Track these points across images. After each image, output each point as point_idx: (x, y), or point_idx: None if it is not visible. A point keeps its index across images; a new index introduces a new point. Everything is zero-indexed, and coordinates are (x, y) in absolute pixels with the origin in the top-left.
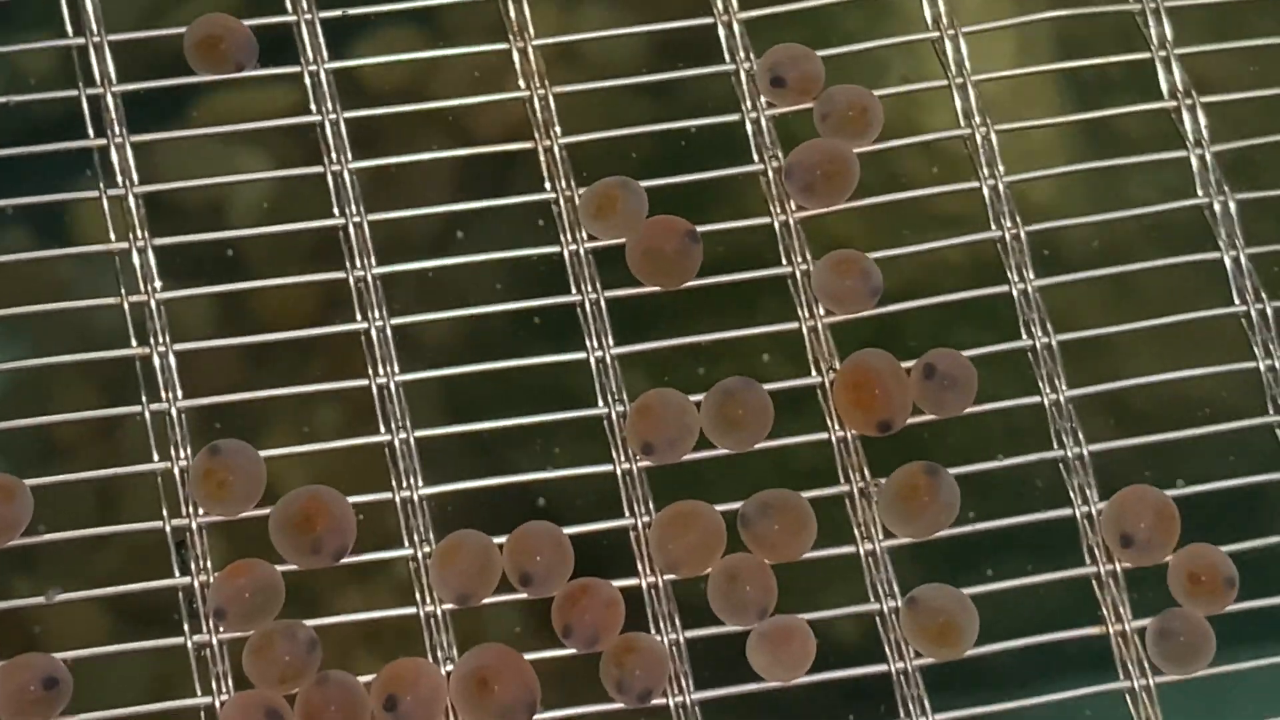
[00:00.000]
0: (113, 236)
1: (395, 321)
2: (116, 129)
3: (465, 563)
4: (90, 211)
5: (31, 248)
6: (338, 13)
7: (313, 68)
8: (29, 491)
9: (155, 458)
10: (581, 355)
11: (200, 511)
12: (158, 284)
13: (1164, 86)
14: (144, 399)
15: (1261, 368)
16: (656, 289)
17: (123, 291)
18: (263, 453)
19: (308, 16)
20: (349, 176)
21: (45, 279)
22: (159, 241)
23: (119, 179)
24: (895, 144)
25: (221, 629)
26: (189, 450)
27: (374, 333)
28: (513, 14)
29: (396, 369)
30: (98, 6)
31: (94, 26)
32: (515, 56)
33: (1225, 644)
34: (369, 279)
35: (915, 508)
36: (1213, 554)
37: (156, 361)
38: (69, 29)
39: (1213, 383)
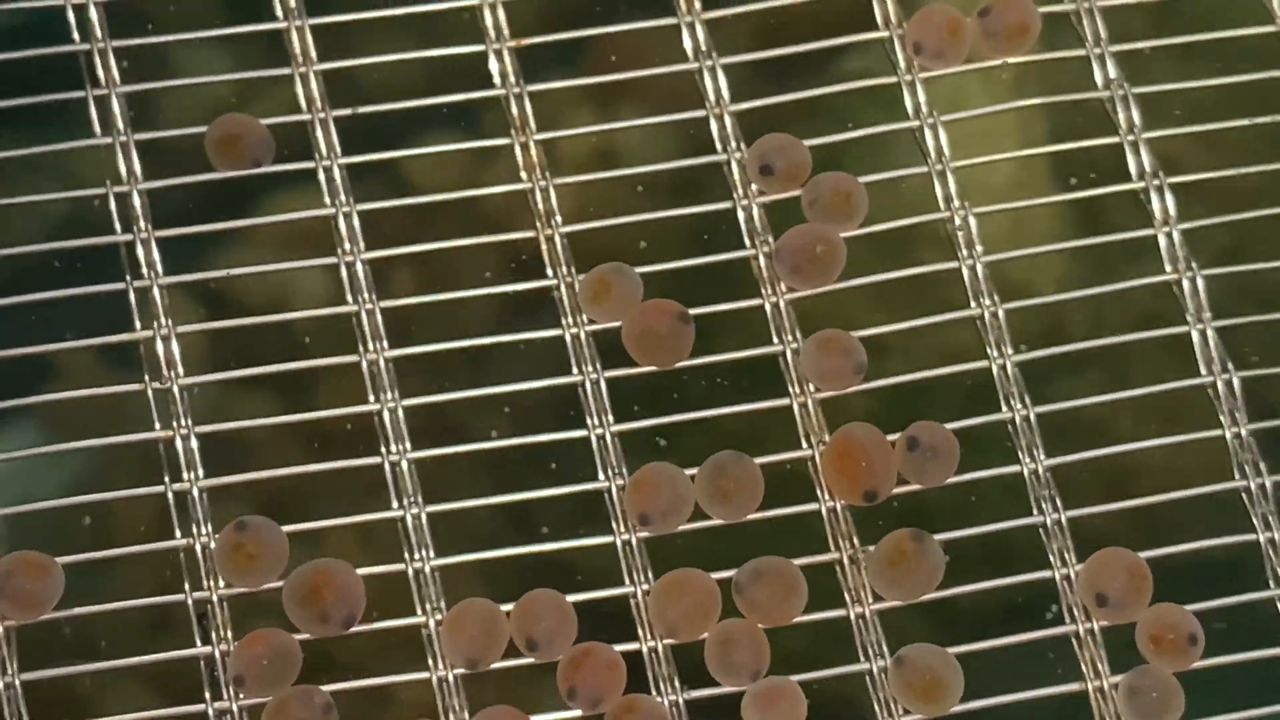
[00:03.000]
0: (138, 325)
1: (407, 403)
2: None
3: (473, 629)
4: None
5: None
6: (347, 111)
7: (325, 162)
8: (60, 569)
9: (178, 534)
10: (583, 433)
11: (220, 584)
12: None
13: (1133, 169)
14: (166, 479)
15: (1228, 435)
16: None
17: (146, 378)
18: (284, 527)
19: (321, 115)
20: (361, 267)
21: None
22: (182, 329)
23: (144, 271)
24: (880, 228)
25: (241, 695)
26: (209, 528)
27: (386, 414)
28: (514, 110)
29: (408, 445)
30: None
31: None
32: (517, 151)
33: (1200, 696)
34: (381, 361)
35: (902, 572)
36: (1176, 613)
37: (179, 444)
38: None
39: (1190, 450)
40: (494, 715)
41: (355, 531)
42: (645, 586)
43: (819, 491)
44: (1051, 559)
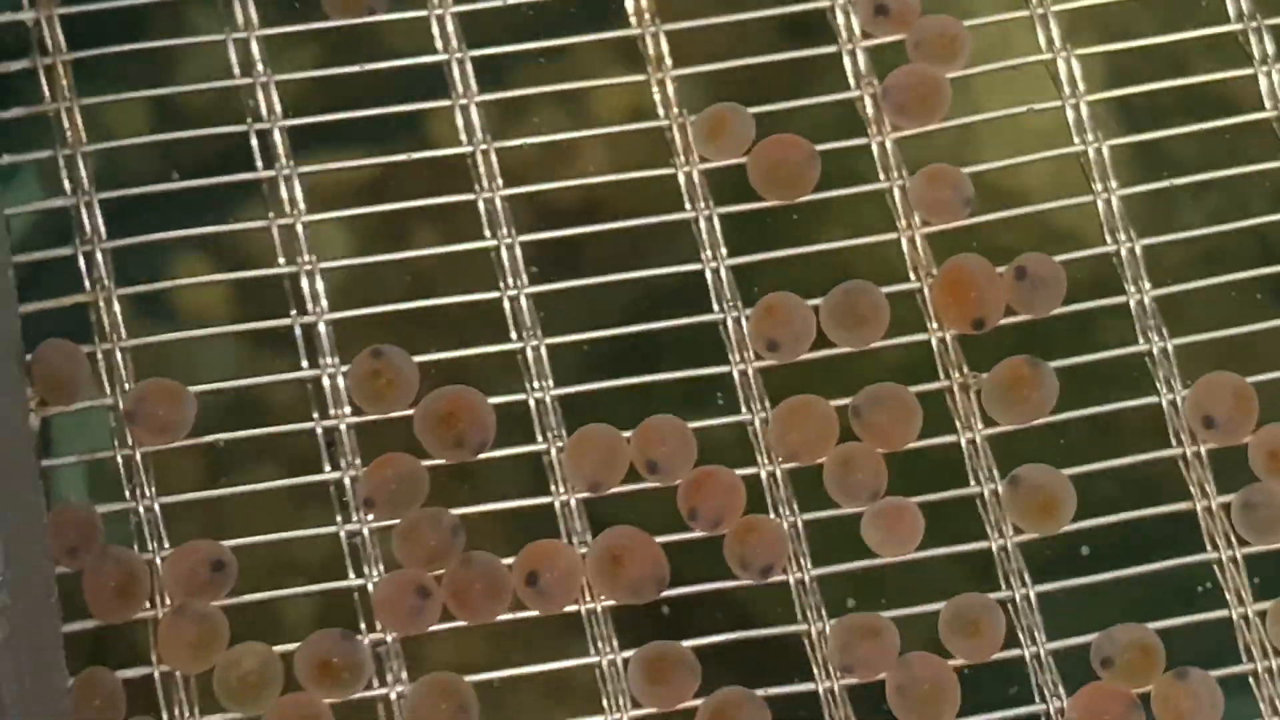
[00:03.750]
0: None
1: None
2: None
3: (596, 453)
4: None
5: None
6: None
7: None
8: (193, 396)
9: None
10: (698, 266)
11: (348, 410)
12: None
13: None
14: (293, 312)
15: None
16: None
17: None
18: (416, 358)
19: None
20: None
21: None
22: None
23: (287, 207)
24: (982, 69)
25: (371, 517)
26: (338, 359)
27: (503, 249)
28: None
29: (525, 279)
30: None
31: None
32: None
33: None
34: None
35: (1019, 396)
36: None
37: (305, 283)
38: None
39: None
40: (616, 533)
41: (479, 362)
42: (763, 415)
43: (927, 323)
44: (1158, 385)
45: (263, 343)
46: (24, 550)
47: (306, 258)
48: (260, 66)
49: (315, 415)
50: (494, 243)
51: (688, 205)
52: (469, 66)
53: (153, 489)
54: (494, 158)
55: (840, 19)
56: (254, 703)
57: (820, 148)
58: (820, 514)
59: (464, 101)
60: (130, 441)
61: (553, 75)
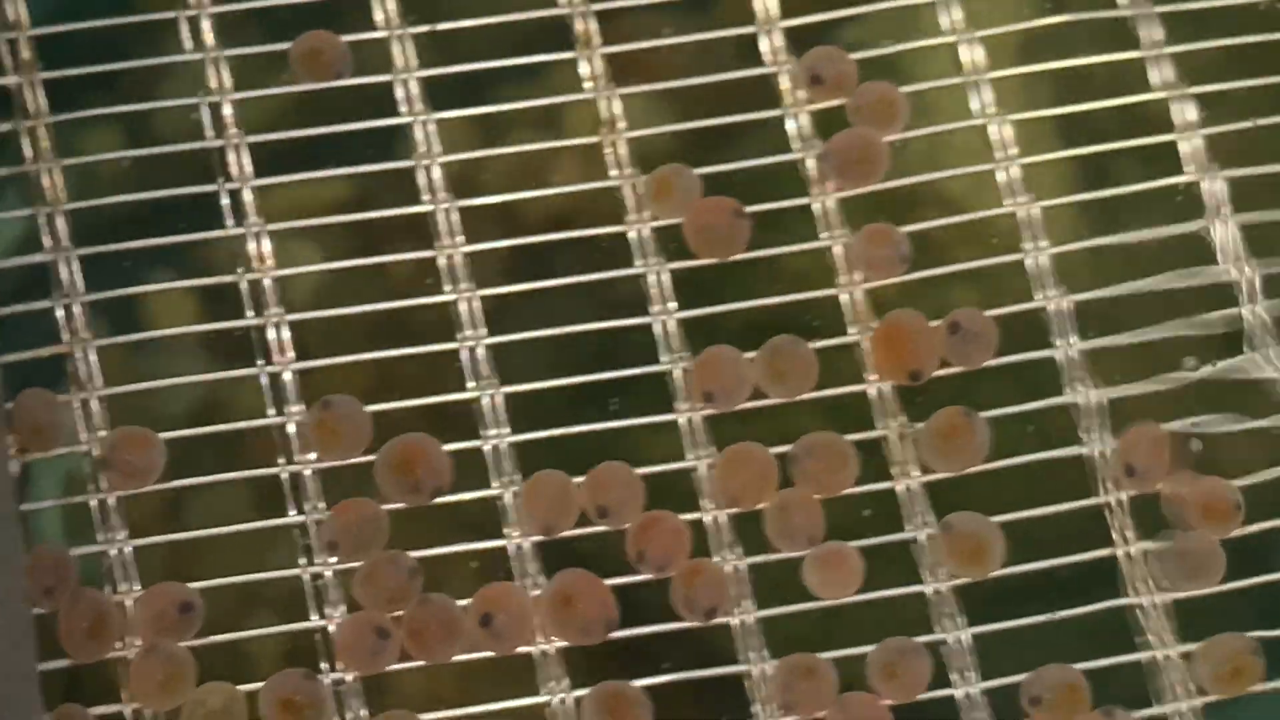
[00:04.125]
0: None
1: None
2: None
3: (548, 498)
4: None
5: None
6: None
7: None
8: (162, 443)
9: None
10: (647, 319)
11: (313, 456)
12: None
13: None
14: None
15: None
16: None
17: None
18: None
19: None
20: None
21: None
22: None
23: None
24: (917, 133)
25: (334, 559)
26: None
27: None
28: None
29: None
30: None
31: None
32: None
33: None
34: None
35: (956, 445)
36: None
37: (271, 333)
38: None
39: None
40: (567, 575)
41: (428, 414)
42: (709, 460)
43: (864, 375)
44: (1082, 435)
45: (232, 385)
46: (3, 591)
47: (274, 310)
48: (232, 129)
49: (280, 460)
50: (453, 296)
51: (637, 261)
52: (431, 127)
53: (125, 532)
54: (455, 215)
55: (785, 83)
56: None
57: (760, 208)
58: (763, 558)
59: (426, 161)
60: (103, 486)
61: (514, 140)
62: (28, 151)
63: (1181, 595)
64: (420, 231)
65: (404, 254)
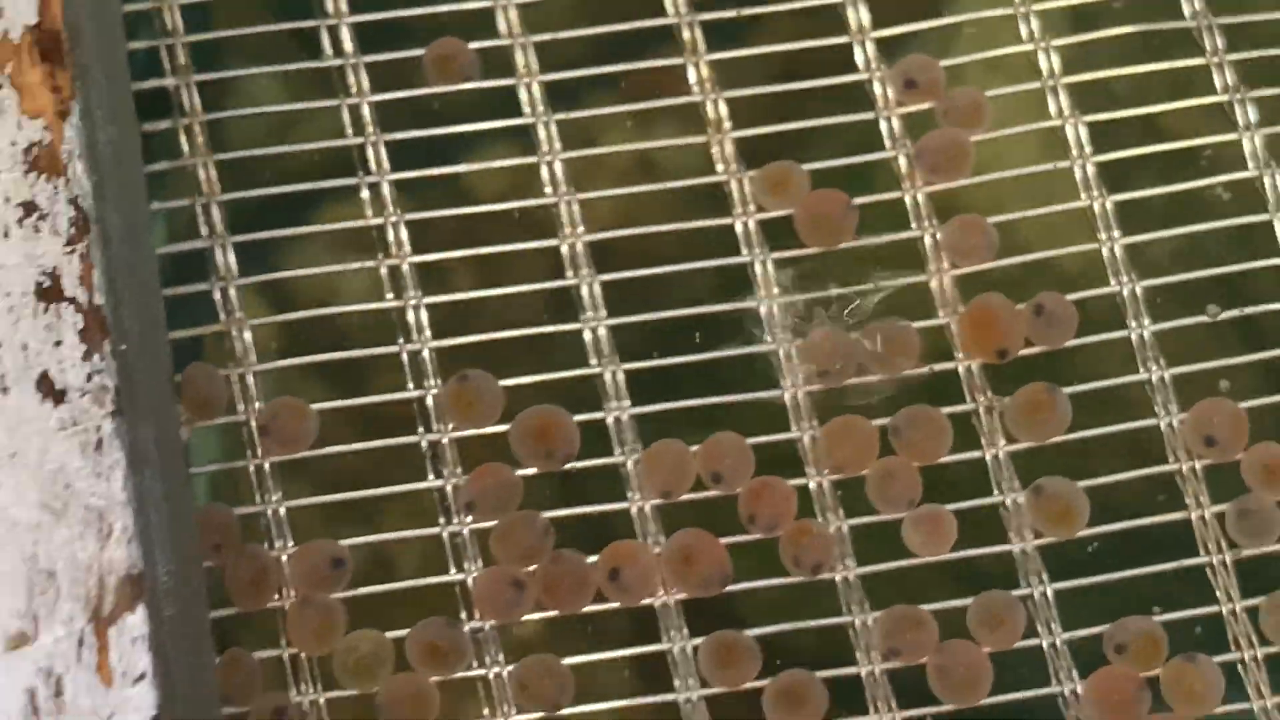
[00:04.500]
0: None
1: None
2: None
3: (667, 465)
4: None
5: None
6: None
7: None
8: (315, 414)
9: (410, 386)
10: (753, 303)
11: (450, 426)
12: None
13: None
14: (400, 341)
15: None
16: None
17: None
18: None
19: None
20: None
21: None
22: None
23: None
24: (1003, 133)
25: (470, 518)
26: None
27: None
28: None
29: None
30: None
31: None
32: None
33: None
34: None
35: (1040, 417)
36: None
37: (410, 315)
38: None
39: None
40: (687, 535)
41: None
42: (813, 431)
43: (955, 353)
44: (1157, 410)
45: (372, 363)
46: (182, 546)
47: (412, 294)
48: (370, 129)
49: (420, 430)
50: (575, 281)
51: (744, 251)
52: (554, 129)
53: (280, 494)
54: (575, 207)
55: (877, 89)
56: (369, 681)
57: (860, 200)
58: (864, 520)
59: (549, 159)
60: (260, 452)
61: (634, 136)
62: (184, 147)
63: (1248, 553)
64: (545, 227)
65: (528, 244)
